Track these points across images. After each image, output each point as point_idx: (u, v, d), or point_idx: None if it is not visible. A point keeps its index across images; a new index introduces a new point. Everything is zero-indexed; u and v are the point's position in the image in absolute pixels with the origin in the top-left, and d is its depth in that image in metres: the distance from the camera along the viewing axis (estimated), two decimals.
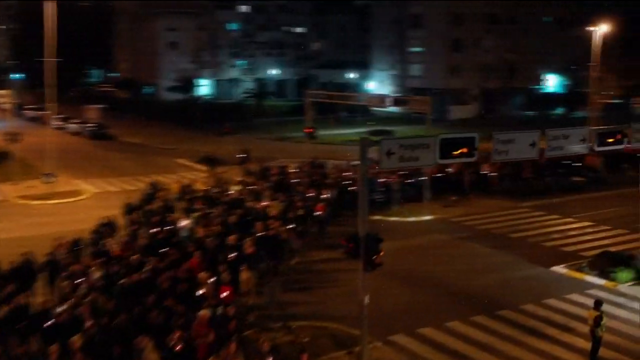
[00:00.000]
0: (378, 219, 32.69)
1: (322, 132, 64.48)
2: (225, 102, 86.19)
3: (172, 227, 25.64)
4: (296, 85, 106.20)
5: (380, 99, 40.37)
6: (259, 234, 24.04)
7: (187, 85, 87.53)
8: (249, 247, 22.41)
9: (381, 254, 17.50)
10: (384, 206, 33.77)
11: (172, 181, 37.13)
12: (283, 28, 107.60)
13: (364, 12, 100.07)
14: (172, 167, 48.25)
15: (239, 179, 35.90)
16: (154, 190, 31.96)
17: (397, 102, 41.04)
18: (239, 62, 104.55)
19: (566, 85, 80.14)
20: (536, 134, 19.96)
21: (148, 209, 28.25)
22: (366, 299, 17.63)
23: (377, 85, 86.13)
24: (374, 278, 23.98)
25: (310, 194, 31.17)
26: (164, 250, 21.90)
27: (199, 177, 41.39)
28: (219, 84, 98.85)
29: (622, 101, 67.43)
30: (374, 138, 61.14)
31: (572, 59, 74.52)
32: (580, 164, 40.67)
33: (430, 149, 18.13)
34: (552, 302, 21.93)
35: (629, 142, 25.50)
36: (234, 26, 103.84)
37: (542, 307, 21.49)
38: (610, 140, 22.10)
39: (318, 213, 29.15)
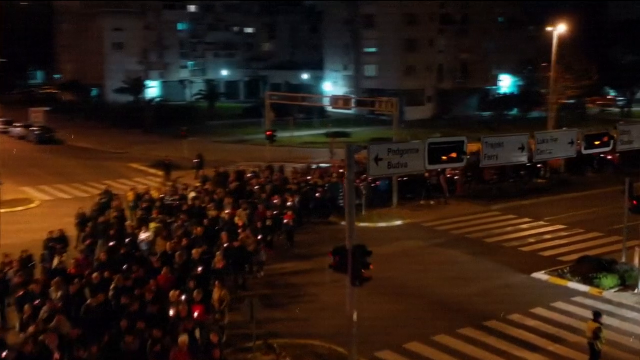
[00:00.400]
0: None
1: (280, 134, 62.98)
2: (176, 104, 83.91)
3: (132, 239, 24.00)
4: (247, 86, 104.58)
5: (345, 101, 39.11)
6: (225, 245, 22.62)
7: (135, 86, 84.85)
8: (218, 262, 20.90)
9: (370, 267, 16.23)
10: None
11: (126, 188, 35.23)
12: (232, 28, 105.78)
13: (315, 12, 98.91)
14: (124, 172, 46.14)
15: (197, 185, 34.13)
16: (108, 199, 30.09)
17: (362, 103, 39.77)
18: (187, 62, 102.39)
19: (519, 85, 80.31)
20: (524, 137, 19.01)
21: (103, 221, 26.32)
22: (354, 316, 16.43)
23: (331, 86, 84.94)
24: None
25: (274, 201, 29.80)
26: (125, 266, 20.27)
27: (153, 183, 39.63)
28: (167, 85, 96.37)
29: (575, 102, 67.51)
30: (327, 140, 61.06)
31: (525, 59, 74.60)
32: (542, 165, 40.27)
33: (419, 154, 16.96)
34: (539, 310, 21.07)
35: (608, 145, 24.81)
36: (182, 26, 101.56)
37: (530, 317, 20.62)
38: (597, 142, 21.30)
39: (286, 221, 27.75)
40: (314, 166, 42.62)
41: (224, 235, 23.24)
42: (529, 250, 27.47)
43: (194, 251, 21.34)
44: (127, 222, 26.41)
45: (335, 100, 41.31)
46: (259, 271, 23.89)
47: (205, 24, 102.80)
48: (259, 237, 24.59)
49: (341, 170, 36.14)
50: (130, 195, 31.16)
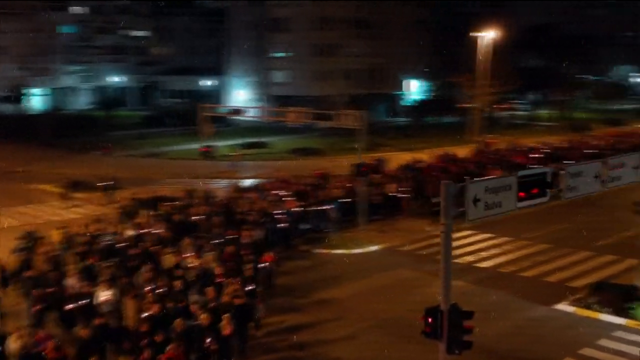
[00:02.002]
0: (321, 252, 28.56)
1: (189, 146, 59.10)
2: (68, 114, 77.24)
3: (88, 301, 19.27)
4: (142, 92, 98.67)
5: (298, 115, 35.77)
6: (213, 304, 18.25)
7: (17, 95, 77.60)
8: (225, 327, 16.92)
9: (473, 330, 13.35)
10: (313, 237, 29.66)
11: (44, 217, 30.25)
12: (123, 31, 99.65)
13: (217, 14, 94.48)
14: (34, 195, 40.65)
15: (138, 220, 29.25)
16: (30, 243, 24.85)
17: (322, 117, 36.68)
18: (75, 68, 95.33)
19: (430, 91, 79.72)
20: (597, 165, 16.69)
21: (31, 276, 21.11)
22: None
23: (237, 93, 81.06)
24: (359, 330, 19.92)
25: (232, 236, 25.32)
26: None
27: (74, 212, 34.86)
28: (57, 93, 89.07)
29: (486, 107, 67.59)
30: (248, 151, 57.59)
31: (438, 65, 74.24)
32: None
33: (511, 190, 14.17)
34: (589, 352, 18.80)
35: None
36: (68, 29, 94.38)
37: None
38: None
39: (265, 264, 22.99)
40: (245, 186, 39.27)
41: (210, 290, 19.12)
42: (531, 276, 25.36)
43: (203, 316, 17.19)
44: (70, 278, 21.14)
45: (288, 114, 37.80)
46: (257, 330, 19.83)
47: (94, 26, 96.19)
48: (251, 287, 20.37)
49: (284, 193, 33.05)
50: (57, 235, 26.09)
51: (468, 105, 65.55)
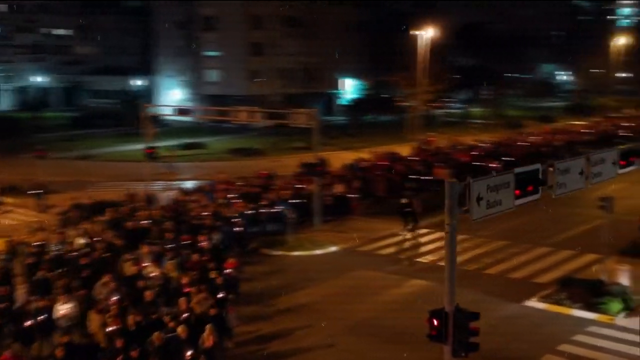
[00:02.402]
0: (280, 254, 27.78)
1: (124, 147, 57.35)
2: None
3: (47, 316, 17.91)
4: (65, 93, 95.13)
5: (250, 114, 34.71)
6: (185, 316, 17.22)
7: None
8: (208, 339, 15.87)
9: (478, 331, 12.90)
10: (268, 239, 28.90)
11: None
12: (45, 30, 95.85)
13: (143, 13, 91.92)
14: None
15: (85, 227, 27.60)
16: None
17: (275, 116, 35.66)
18: None
19: (368, 89, 79.67)
20: (582, 161, 16.53)
21: None
22: None
23: (170, 93, 78.98)
24: (334, 336, 19.33)
25: (187, 242, 24.17)
26: None
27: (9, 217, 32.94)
28: None
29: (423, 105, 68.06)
30: (186, 152, 56.08)
31: (374, 63, 74.36)
32: (429, 177, 38.73)
33: (509, 188, 13.78)
34: (567, 348, 18.74)
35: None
36: None
37: (563, 357, 18.24)
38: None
39: (229, 271, 21.35)
40: (186, 188, 38.05)
41: (182, 301, 17.97)
42: (495, 273, 25.31)
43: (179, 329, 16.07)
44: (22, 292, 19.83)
45: (236, 114, 36.54)
46: (229, 340, 18.44)
47: (13, 24, 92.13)
48: (221, 295, 19.18)
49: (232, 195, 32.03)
50: (2, 245, 24.26)
51: (405, 104, 65.87)
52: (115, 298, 18.41)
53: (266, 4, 74.75)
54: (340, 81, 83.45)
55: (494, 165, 42.99)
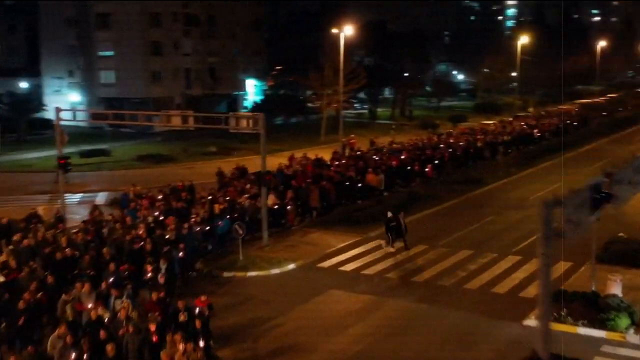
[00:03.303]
0: (233, 276, 24.74)
1: (16, 157, 52.20)
2: None
3: None
4: None
5: (184, 118, 30.97)
6: None
7: None
8: None
9: None
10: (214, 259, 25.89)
11: None
12: None
13: (27, 10, 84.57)
14: None
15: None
16: None
17: (210, 120, 32.06)
18: None
19: (275, 90, 76.93)
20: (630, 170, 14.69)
21: None
22: None
23: (59, 95, 72.72)
24: None
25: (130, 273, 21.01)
26: None
27: None
28: None
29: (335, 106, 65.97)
30: (89, 160, 51.19)
31: (279, 62, 71.76)
32: (361, 185, 36.66)
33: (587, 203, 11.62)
34: None
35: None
36: None
37: None
38: None
39: (199, 309, 17.70)
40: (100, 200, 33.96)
41: (164, 355, 14.66)
42: (476, 288, 23.38)
43: None
44: None
45: (165, 117, 32.57)
46: None
47: None
48: (202, 343, 16.17)
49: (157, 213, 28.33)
50: None
51: (316, 105, 63.76)
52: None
53: (161, 3, 70.23)
54: (246, 82, 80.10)
55: (427, 169, 41.61)
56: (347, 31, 50.89)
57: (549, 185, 37.96)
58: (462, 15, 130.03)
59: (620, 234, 27.21)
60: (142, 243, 23.49)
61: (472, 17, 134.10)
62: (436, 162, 42.92)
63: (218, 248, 27.03)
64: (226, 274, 24.75)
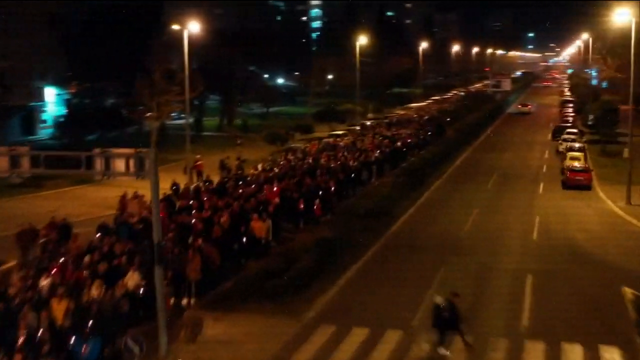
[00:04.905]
0: None
1: None
2: None
3: None
4: None
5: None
6: None
7: None
8: None
9: None
10: None
11: None
12: None
13: None
14: None
15: None
16: None
17: None
18: None
19: (82, 99, 63.67)
20: None
21: None
22: None
23: None
24: None
25: None
26: None
27: None
28: None
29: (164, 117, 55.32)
30: None
31: (87, 68, 59.65)
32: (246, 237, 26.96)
33: None
34: None
35: None
36: None
37: None
38: None
39: None
40: None
41: None
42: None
43: None
44: None
45: None
46: None
47: None
48: None
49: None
50: None
51: (142, 116, 53.26)
52: None
53: None
54: (45, 90, 65.76)
55: (315, 204, 32.75)
56: (192, 28, 41.40)
57: (466, 210, 33.16)
58: (268, 15, 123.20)
59: None
60: None
61: (278, 17, 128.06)
62: (320, 193, 34.01)
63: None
64: None
